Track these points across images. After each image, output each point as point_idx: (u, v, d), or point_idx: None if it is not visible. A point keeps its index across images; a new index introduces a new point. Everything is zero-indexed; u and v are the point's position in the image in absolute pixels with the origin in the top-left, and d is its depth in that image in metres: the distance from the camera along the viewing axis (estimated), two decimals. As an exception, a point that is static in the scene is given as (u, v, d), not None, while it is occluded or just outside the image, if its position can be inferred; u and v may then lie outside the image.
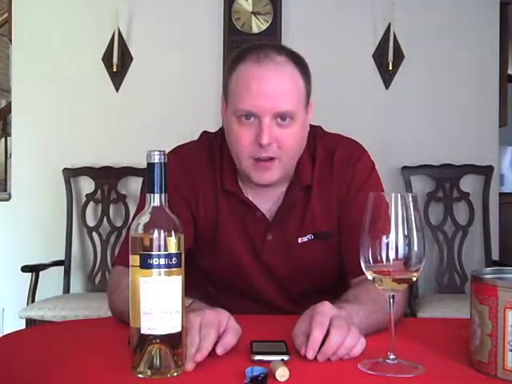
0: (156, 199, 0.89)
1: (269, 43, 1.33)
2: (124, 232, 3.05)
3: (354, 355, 0.94)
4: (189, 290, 0.91)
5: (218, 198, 1.34)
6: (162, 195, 0.89)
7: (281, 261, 1.34)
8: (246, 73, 1.24)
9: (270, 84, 1.22)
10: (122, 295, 1.12)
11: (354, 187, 1.33)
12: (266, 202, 1.34)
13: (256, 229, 1.34)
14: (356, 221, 1.22)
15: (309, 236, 1.33)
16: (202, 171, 1.35)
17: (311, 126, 1.38)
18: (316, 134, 1.39)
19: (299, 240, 1.33)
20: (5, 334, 1.16)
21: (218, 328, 0.94)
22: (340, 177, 1.34)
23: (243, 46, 1.32)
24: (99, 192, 3.22)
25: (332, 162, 1.35)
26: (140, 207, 1.35)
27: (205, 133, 1.44)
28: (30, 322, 2.70)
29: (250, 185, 1.33)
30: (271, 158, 1.25)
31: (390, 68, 3.15)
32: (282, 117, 1.23)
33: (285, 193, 1.34)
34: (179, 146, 1.41)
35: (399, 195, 0.90)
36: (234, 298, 1.33)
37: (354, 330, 0.95)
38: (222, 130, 1.38)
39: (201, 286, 1.35)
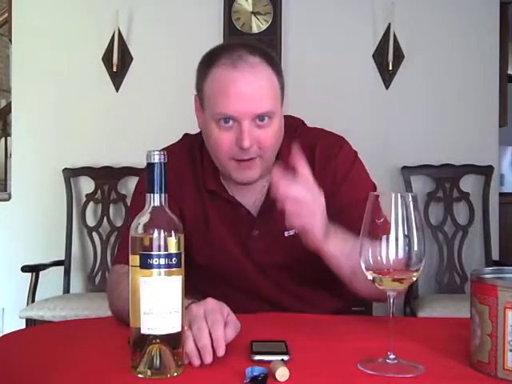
0: (156, 199, 0.89)
1: (239, 42, 1.34)
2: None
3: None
4: (186, 290, 0.91)
5: (204, 198, 1.36)
6: (162, 195, 0.89)
7: (269, 255, 1.34)
8: (222, 77, 1.24)
9: (248, 87, 1.23)
10: (122, 295, 1.12)
11: (339, 178, 1.33)
12: (250, 198, 1.35)
13: (242, 225, 1.35)
14: (345, 209, 1.24)
15: (295, 230, 1.33)
16: (185, 172, 1.37)
17: (292, 117, 1.40)
18: (297, 127, 1.40)
19: (285, 234, 1.33)
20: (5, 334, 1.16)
21: (223, 314, 0.96)
22: (322, 171, 1.33)
23: (213, 47, 1.32)
24: (99, 192, 3.22)
25: (313, 157, 1.34)
26: (134, 208, 1.34)
27: (186, 135, 1.46)
28: (30, 321, 2.70)
29: (233, 182, 1.34)
30: (252, 158, 1.26)
31: (390, 68, 3.15)
32: (261, 117, 1.24)
33: (267, 188, 1.34)
34: (162, 149, 1.41)
35: (399, 195, 0.89)
36: (230, 295, 1.32)
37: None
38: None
39: (197, 286, 1.35)
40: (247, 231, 1.35)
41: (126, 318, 0.95)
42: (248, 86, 1.23)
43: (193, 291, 1.13)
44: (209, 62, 1.28)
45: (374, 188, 1.37)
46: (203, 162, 1.37)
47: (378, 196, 0.92)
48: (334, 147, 1.36)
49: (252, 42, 1.39)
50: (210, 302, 0.98)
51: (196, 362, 0.89)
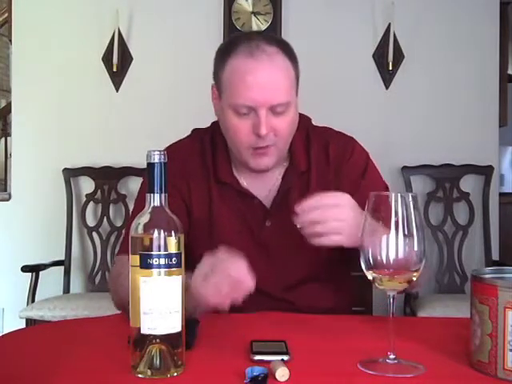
0: (156, 199, 0.89)
1: (257, 32, 1.35)
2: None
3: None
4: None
5: (211, 190, 1.36)
6: (162, 195, 0.89)
7: (280, 246, 1.35)
8: (240, 66, 1.26)
9: (265, 77, 1.25)
10: (125, 283, 1.12)
11: (355, 176, 1.35)
12: (263, 189, 1.36)
13: (254, 216, 1.36)
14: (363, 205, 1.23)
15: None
16: (194, 165, 1.38)
17: (302, 114, 1.41)
18: (308, 123, 1.43)
19: (299, 226, 1.33)
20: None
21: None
22: (337, 170, 1.36)
23: (231, 36, 1.34)
24: (99, 192, 3.21)
25: (327, 156, 1.38)
26: (137, 207, 1.36)
27: (195, 129, 1.47)
28: (30, 321, 2.70)
29: (246, 173, 1.36)
30: (267, 146, 1.28)
31: (390, 68, 3.14)
32: (278, 107, 1.26)
33: (281, 179, 1.36)
34: (172, 144, 1.45)
35: (399, 195, 0.89)
36: None
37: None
38: (213, 124, 1.42)
39: None
40: (260, 222, 1.36)
41: (127, 307, 0.95)
42: (265, 76, 1.25)
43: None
44: (226, 50, 1.30)
45: (387, 187, 1.41)
46: (215, 155, 1.38)
47: (378, 196, 0.92)
48: (347, 147, 1.39)
49: (272, 34, 1.42)
50: (221, 253, 1.02)
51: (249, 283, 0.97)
